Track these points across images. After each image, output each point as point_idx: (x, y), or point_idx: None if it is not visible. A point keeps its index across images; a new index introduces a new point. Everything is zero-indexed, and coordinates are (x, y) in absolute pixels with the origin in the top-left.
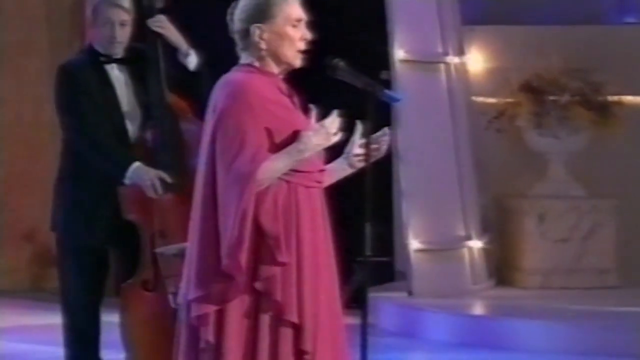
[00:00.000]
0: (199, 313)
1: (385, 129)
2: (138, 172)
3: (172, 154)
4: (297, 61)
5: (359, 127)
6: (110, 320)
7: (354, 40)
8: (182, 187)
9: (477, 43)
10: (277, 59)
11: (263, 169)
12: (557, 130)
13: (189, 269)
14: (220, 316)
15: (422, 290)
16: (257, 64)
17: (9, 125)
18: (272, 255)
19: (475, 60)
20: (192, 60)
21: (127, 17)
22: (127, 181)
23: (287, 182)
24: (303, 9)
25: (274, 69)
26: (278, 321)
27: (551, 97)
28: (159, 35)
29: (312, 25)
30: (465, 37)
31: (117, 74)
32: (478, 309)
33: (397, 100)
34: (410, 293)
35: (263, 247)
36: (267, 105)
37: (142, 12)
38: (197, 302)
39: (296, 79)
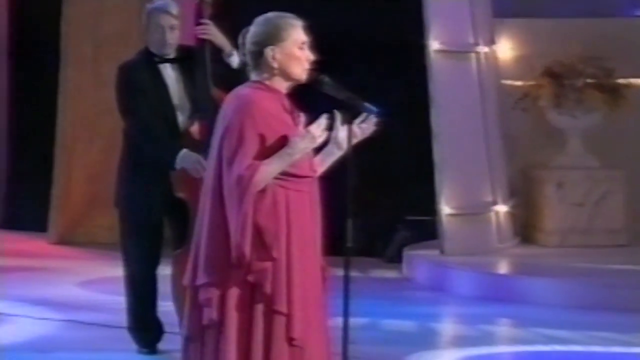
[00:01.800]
0: (206, 297)
1: (364, 115)
2: (185, 157)
3: None
4: (304, 77)
5: (339, 116)
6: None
7: (393, 34)
8: None
9: (507, 33)
10: (287, 76)
11: (259, 172)
12: (574, 109)
13: (196, 255)
14: (223, 299)
15: (452, 249)
16: (267, 81)
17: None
18: (266, 251)
19: (505, 49)
20: (235, 60)
21: (175, 22)
22: (176, 166)
23: (282, 187)
24: (306, 33)
25: (282, 86)
26: (270, 310)
27: (569, 81)
28: (205, 40)
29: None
30: (496, 28)
31: (169, 72)
32: (500, 267)
33: (374, 111)
34: (442, 252)
35: (258, 243)
36: (269, 119)
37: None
38: (204, 287)
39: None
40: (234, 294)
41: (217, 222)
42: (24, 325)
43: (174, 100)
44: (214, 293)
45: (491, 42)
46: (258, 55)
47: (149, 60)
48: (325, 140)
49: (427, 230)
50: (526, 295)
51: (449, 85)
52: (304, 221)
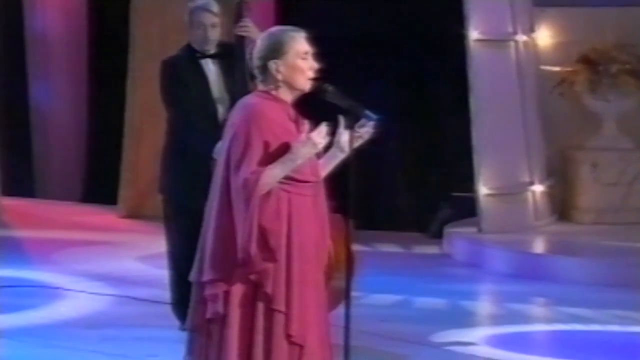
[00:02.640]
0: (211, 292)
1: (364, 121)
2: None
3: None
4: (307, 87)
5: (342, 121)
6: None
7: (433, 24)
8: None
9: (546, 22)
10: (291, 87)
11: (264, 177)
12: (608, 94)
13: (202, 252)
14: (227, 296)
15: (489, 227)
16: (273, 92)
17: None
18: (269, 252)
19: (544, 36)
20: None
21: (216, 20)
22: (214, 155)
23: (286, 191)
24: (309, 43)
25: (287, 96)
26: (269, 308)
27: (604, 67)
28: (243, 36)
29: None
30: (536, 17)
31: (210, 67)
32: (535, 246)
33: (374, 118)
34: (479, 230)
35: (262, 244)
36: (274, 127)
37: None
38: (210, 283)
39: None
40: (237, 291)
41: (223, 222)
42: (80, 300)
43: (214, 93)
44: (219, 289)
45: (530, 30)
46: (263, 69)
47: (191, 56)
48: (328, 145)
49: (470, 207)
50: (559, 273)
51: (488, 73)
52: (306, 223)
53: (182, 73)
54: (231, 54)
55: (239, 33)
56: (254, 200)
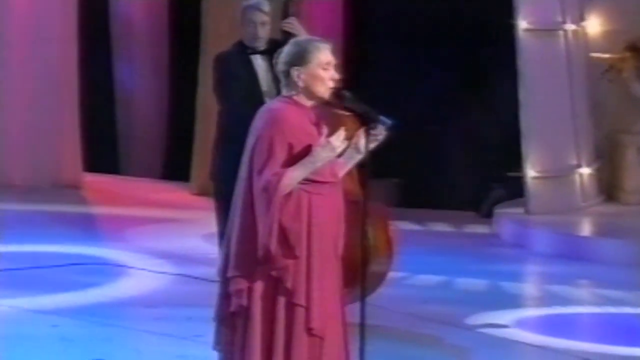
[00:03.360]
0: (236, 288)
1: (377, 125)
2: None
3: None
4: (327, 95)
5: (359, 125)
6: None
7: (483, 14)
8: None
9: (596, 10)
10: (311, 95)
11: (285, 178)
12: None
13: (227, 249)
14: (250, 291)
15: (537, 208)
16: (295, 97)
17: None
18: (290, 249)
19: (594, 24)
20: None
21: (266, 18)
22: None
23: (306, 191)
24: (332, 54)
25: (308, 102)
26: (290, 303)
27: None
28: (290, 33)
29: None
30: (587, 6)
31: (259, 62)
32: (580, 227)
33: (388, 124)
34: (526, 211)
35: (282, 242)
36: (295, 131)
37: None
38: (234, 279)
39: None
40: (259, 286)
41: (247, 222)
42: (141, 278)
43: (263, 87)
44: (243, 285)
45: (580, 19)
46: (287, 74)
47: (242, 52)
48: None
49: (522, 188)
50: (604, 255)
51: (537, 61)
52: (325, 221)
53: (233, 68)
54: (280, 50)
55: (285, 29)
56: (276, 200)
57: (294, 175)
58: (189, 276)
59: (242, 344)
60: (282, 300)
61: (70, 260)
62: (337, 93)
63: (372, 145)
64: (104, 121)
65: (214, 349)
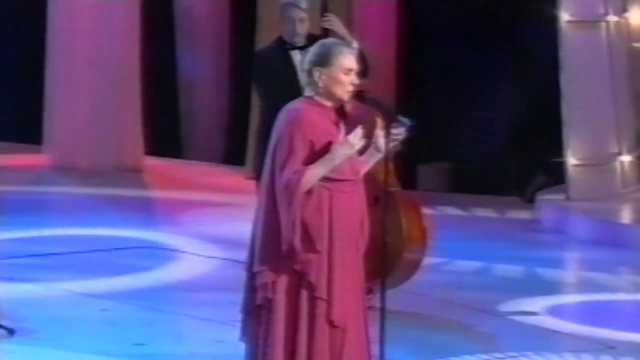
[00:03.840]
0: (261, 282)
1: (397, 125)
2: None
3: None
4: (346, 97)
5: (380, 125)
6: None
7: (526, 6)
8: None
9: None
10: (330, 96)
11: (306, 176)
12: None
13: (252, 245)
14: (274, 284)
15: (577, 195)
16: (316, 97)
17: None
18: (311, 244)
19: (636, 16)
20: (354, 47)
21: (304, 15)
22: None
23: (326, 189)
24: (355, 61)
25: (328, 102)
26: (312, 296)
27: None
28: (329, 30)
29: None
30: None
31: (298, 57)
32: (620, 214)
33: (406, 124)
34: (567, 197)
35: (304, 238)
36: (315, 130)
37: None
38: (259, 273)
39: None
40: (283, 280)
41: (270, 218)
42: (190, 262)
43: (302, 81)
44: (268, 279)
45: (623, 10)
46: (310, 74)
47: (282, 47)
48: (366, 146)
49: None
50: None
51: (579, 52)
52: (345, 218)
53: (272, 63)
54: None
55: (324, 26)
56: (297, 197)
57: (314, 173)
58: (236, 261)
59: (266, 335)
60: (304, 294)
61: (126, 244)
62: (358, 94)
63: (392, 145)
64: (168, 107)
65: (240, 339)
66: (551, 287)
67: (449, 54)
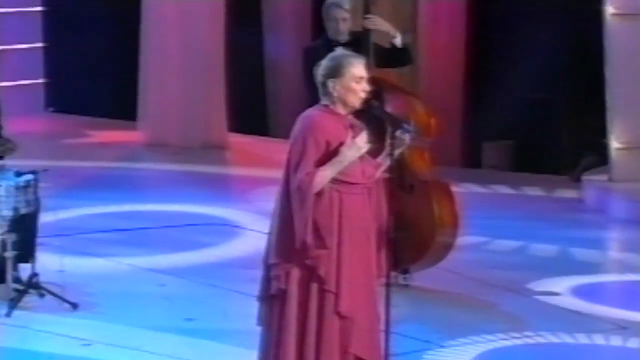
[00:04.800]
0: (276, 273)
1: (402, 131)
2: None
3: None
4: (358, 104)
5: (390, 132)
6: None
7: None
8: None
9: None
10: (344, 104)
11: (317, 177)
12: None
13: (270, 239)
14: (287, 276)
15: (619, 176)
16: (331, 106)
17: None
18: (322, 241)
19: None
20: (398, 41)
21: (347, 15)
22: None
23: (337, 191)
24: (364, 69)
25: (342, 110)
26: (322, 289)
27: None
28: (370, 29)
29: None
30: None
31: None
32: None
33: (409, 130)
34: (610, 179)
35: (315, 235)
36: (327, 136)
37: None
38: (275, 265)
39: None
40: (296, 273)
41: (285, 216)
42: (251, 239)
43: None
44: (282, 271)
45: None
46: (324, 85)
47: (327, 44)
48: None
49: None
50: None
51: (623, 42)
52: (356, 217)
53: (318, 58)
54: (359, 42)
55: (366, 27)
56: (309, 197)
57: (325, 175)
58: None
59: (279, 322)
60: (314, 286)
61: (196, 221)
62: (368, 103)
63: (399, 149)
64: (255, 88)
65: (257, 324)
66: (581, 267)
67: (513, 43)
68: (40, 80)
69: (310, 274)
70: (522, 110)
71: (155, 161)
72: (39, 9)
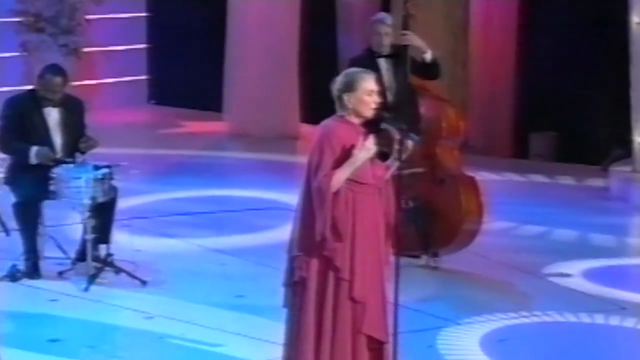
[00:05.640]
0: (298, 263)
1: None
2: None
3: (412, 113)
4: (370, 115)
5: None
6: None
7: (598, 9)
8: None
9: None
10: (357, 114)
11: (334, 178)
12: None
13: (293, 233)
14: (308, 265)
15: None
16: (346, 116)
17: None
18: (339, 235)
19: None
20: (428, 56)
21: (389, 30)
22: (381, 126)
23: (351, 191)
24: (375, 83)
25: (355, 120)
26: (337, 277)
27: None
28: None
29: None
30: None
31: (383, 64)
32: None
33: (415, 139)
34: (633, 169)
35: (333, 229)
36: (342, 142)
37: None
38: (297, 257)
39: None
40: (315, 263)
41: (306, 212)
42: None
43: (386, 82)
44: (303, 261)
45: None
46: (339, 99)
47: (370, 55)
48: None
49: None
50: None
51: None
52: (368, 214)
53: (362, 67)
54: (398, 55)
55: (402, 43)
56: (328, 196)
57: (340, 176)
58: None
59: (300, 306)
60: (331, 275)
61: (261, 205)
62: (379, 114)
63: (404, 155)
64: (327, 82)
65: (283, 306)
66: (597, 251)
67: (557, 45)
68: (144, 77)
69: (328, 264)
70: (566, 105)
71: (236, 150)
72: (143, 14)
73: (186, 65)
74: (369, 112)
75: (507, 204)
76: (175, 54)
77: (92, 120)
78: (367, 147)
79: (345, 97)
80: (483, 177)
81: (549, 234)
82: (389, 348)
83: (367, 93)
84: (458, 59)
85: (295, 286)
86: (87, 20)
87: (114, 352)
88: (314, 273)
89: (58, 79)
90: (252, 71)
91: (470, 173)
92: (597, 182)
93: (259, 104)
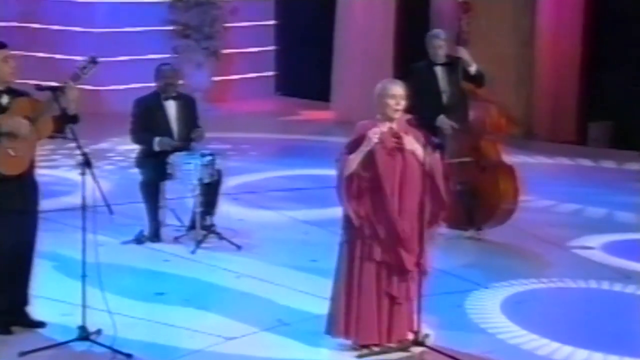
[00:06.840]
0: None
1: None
2: (441, 120)
3: (463, 113)
4: (395, 116)
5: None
6: None
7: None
8: (466, 130)
9: None
10: (385, 116)
11: (348, 161)
12: None
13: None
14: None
15: None
16: (378, 117)
17: None
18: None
19: None
20: (472, 69)
21: (443, 43)
22: (437, 124)
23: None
24: (399, 89)
25: (384, 120)
26: (363, 242)
27: None
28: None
29: None
30: None
31: (439, 72)
32: None
33: (435, 142)
34: None
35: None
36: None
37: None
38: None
39: None
40: (351, 232)
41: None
42: None
43: (441, 87)
44: (345, 230)
45: None
46: (376, 102)
47: (429, 65)
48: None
49: None
50: None
51: None
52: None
53: (420, 74)
54: (452, 64)
55: (455, 55)
56: (342, 177)
57: (352, 159)
58: None
59: (339, 263)
60: (359, 240)
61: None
62: (408, 120)
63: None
64: None
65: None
66: (620, 227)
67: (621, 41)
68: (271, 73)
69: (357, 232)
70: (623, 96)
71: (340, 135)
72: (271, 22)
73: (305, 63)
74: (392, 113)
75: (552, 184)
76: (297, 54)
77: (228, 109)
78: (369, 136)
79: (376, 100)
80: (538, 160)
81: (582, 212)
82: (413, 305)
83: (389, 97)
84: (525, 61)
85: (341, 247)
86: (225, 28)
87: (205, 305)
88: (351, 239)
89: (172, 70)
90: (354, 69)
91: (510, 161)
92: (636, 167)
93: (360, 95)
